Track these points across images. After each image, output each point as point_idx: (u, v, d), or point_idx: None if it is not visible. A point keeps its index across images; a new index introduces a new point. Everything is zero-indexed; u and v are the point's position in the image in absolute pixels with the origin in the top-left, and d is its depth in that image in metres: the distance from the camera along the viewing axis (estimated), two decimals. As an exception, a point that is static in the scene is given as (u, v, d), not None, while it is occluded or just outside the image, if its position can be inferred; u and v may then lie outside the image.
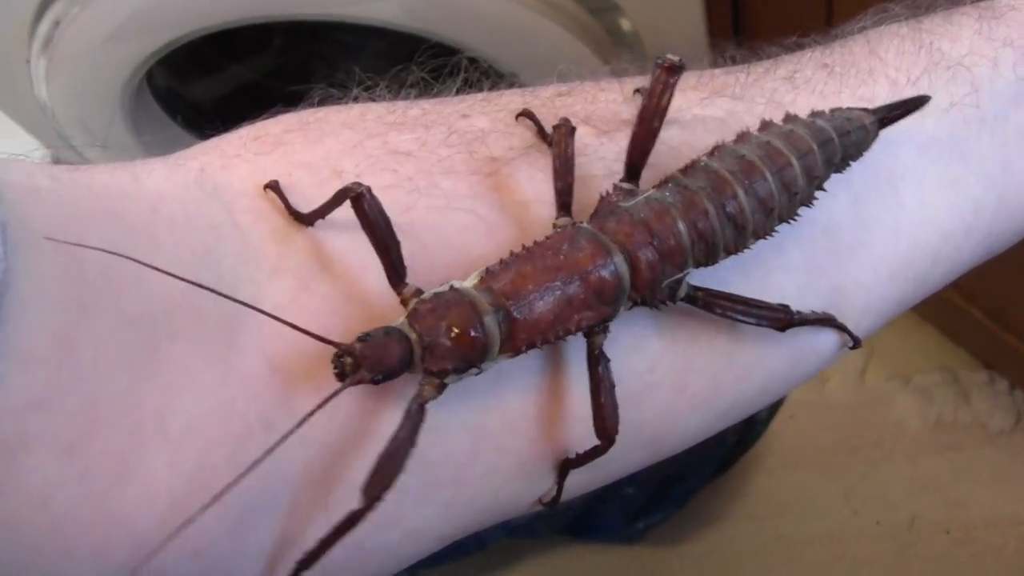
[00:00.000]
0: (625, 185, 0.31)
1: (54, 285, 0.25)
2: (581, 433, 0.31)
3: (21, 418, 0.24)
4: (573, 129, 0.32)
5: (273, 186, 0.31)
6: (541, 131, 0.33)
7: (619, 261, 0.30)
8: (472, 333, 0.28)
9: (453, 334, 0.28)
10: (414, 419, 0.28)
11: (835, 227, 0.34)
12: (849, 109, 0.34)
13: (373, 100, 0.36)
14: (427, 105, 0.35)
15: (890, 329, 1.06)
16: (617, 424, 0.30)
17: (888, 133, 0.35)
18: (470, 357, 0.28)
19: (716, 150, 0.32)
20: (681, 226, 0.30)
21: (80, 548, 0.26)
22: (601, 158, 0.33)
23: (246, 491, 0.27)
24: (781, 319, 0.32)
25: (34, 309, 0.24)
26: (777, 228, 0.32)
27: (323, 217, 0.30)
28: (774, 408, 1.04)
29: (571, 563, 0.99)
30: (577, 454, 0.32)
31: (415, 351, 0.28)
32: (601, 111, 0.35)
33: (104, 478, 0.26)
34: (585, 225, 0.30)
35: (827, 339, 0.35)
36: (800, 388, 1.03)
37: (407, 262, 0.29)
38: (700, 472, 0.98)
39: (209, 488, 0.26)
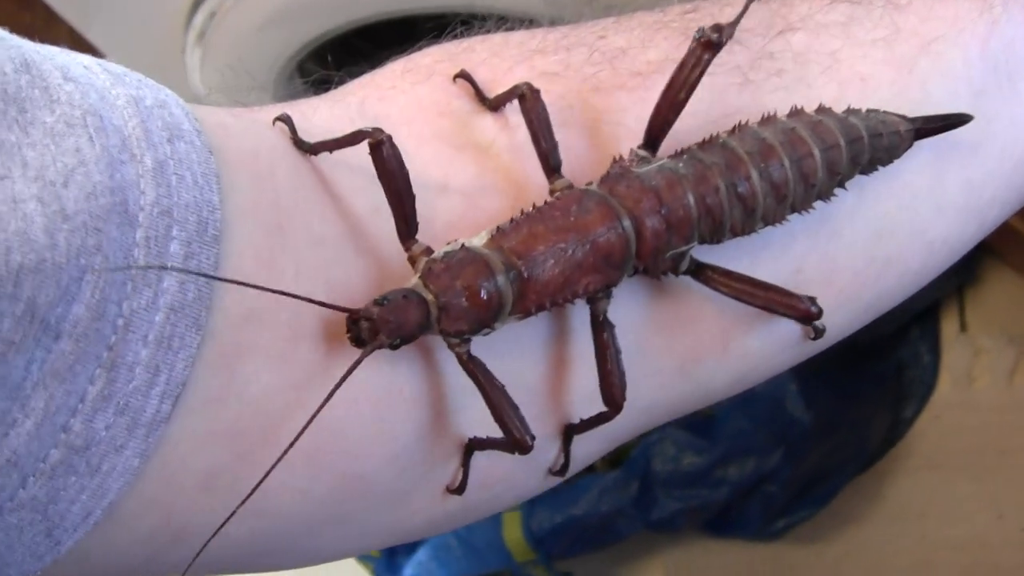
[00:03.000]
0: (641, 152, 0.31)
1: (253, 210, 0.28)
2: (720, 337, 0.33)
3: (239, 329, 0.26)
4: (537, 91, 0.31)
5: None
6: (479, 94, 0.33)
7: (627, 226, 0.30)
8: (486, 293, 0.28)
9: (468, 294, 0.28)
10: (478, 368, 0.29)
11: None
12: (886, 113, 0.33)
13: (511, 30, 0.37)
14: (564, 29, 0.36)
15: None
16: (623, 391, 0.30)
17: (1004, 30, 0.35)
18: (483, 318, 0.28)
19: (738, 129, 0.32)
20: (691, 198, 0.30)
21: (295, 455, 0.27)
22: (737, 66, 0.34)
23: (443, 394, 0.30)
24: (805, 311, 0.32)
25: (238, 231, 0.27)
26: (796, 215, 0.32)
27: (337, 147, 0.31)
28: (919, 407, 1.02)
29: (708, 558, 0.99)
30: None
31: (431, 312, 0.28)
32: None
33: (310, 385, 0.28)
34: (594, 188, 0.30)
35: (957, 231, 0.36)
36: (947, 388, 1.02)
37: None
38: (843, 471, 0.97)
39: (406, 392, 0.29)
